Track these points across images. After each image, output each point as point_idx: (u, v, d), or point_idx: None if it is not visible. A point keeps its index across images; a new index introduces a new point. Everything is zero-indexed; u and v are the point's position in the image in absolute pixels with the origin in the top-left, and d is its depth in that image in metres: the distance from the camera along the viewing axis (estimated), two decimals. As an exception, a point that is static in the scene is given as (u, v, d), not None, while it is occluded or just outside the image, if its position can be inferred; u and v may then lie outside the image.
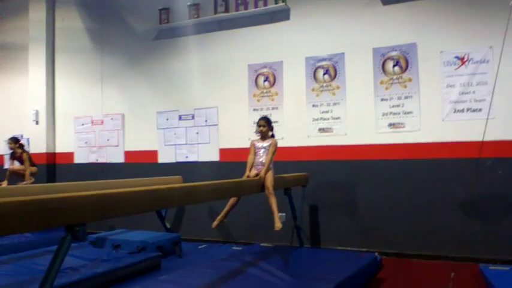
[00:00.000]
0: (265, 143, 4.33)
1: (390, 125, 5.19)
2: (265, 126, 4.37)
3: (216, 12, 6.22)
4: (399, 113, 5.15)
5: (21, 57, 7.62)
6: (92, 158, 7.18)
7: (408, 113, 5.11)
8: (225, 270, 3.65)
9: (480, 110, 4.75)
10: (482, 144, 4.11)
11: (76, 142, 7.32)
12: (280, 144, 5.62)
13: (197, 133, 6.37)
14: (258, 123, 4.41)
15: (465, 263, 4.54)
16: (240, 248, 4.97)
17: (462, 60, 4.86)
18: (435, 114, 4.98)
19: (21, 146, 6.61)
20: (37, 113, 7.31)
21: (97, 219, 2.34)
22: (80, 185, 4.92)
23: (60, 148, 7.46)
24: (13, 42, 7.88)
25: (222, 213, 4.33)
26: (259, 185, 4.14)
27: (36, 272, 3.68)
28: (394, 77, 5.19)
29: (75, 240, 2.23)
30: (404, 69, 5.15)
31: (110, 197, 2.35)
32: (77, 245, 5.11)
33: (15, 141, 6.55)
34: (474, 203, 4.73)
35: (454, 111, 4.87)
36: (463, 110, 4.80)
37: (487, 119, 4.22)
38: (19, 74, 7.66)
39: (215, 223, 4.32)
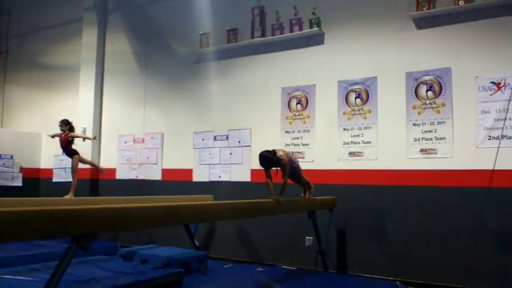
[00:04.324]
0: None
1: (422, 150, 5.05)
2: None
3: (253, 37, 6.38)
4: (431, 139, 5.01)
5: (72, 78, 8.13)
6: (132, 175, 7.48)
7: (441, 139, 4.96)
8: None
9: (516, 137, 4.54)
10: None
11: (119, 159, 7.67)
12: (309, 166, 5.68)
13: (230, 153, 6.49)
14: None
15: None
16: (261, 269, 4.97)
17: (498, 86, 4.68)
18: (469, 140, 4.80)
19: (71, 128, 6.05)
20: (85, 130, 7.69)
21: (103, 231, 2.46)
22: (119, 199, 5.16)
23: (104, 164, 7.80)
24: (66, 64, 8.43)
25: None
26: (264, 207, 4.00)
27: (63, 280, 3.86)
28: (427, 101, 5.08)
29: (81, 249, 2.37)
30: (437, 94, 5.03)
31: (115, 211, 2.46)
32: (108, 257, 5.34)
33: (65, 123, 6.02)
34: (509, 235, 4.48)
35: (489, 138, 4.67)
36: (498, 137, 4.59)
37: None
38: (70, 94, 8.17)
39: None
